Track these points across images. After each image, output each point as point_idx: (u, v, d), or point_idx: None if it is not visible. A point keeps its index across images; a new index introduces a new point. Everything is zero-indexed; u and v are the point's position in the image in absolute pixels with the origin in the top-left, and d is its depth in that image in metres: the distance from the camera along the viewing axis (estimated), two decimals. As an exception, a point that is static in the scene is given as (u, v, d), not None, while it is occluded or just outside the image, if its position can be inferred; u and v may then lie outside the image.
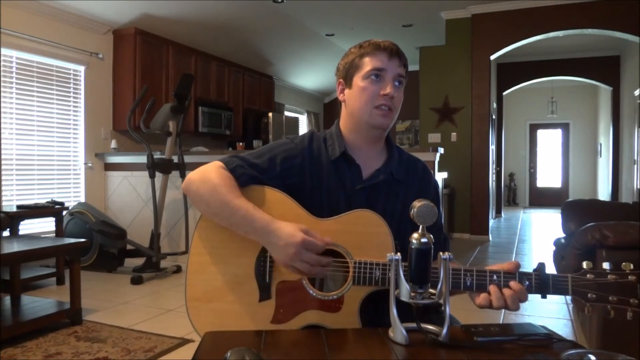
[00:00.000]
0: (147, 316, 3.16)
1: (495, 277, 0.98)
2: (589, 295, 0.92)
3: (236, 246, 1.11)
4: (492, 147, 7.33)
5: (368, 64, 1.16)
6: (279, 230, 1.02)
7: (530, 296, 0.97)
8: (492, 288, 0.97)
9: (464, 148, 6.55)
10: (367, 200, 1.18)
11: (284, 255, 1.00)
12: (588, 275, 0.93)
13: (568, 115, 11.27)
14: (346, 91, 1.22)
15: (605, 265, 0.93)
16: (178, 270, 4.46)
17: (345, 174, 1.20)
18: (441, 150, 4.13)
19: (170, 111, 4.24)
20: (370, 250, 1.05)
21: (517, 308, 0.96)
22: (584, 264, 0.94)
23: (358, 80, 1.17)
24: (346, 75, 1.21)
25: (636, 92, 6.93)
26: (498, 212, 9.17)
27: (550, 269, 0.99)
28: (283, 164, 1.18)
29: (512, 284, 0.96)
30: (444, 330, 0.92)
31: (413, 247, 0.92)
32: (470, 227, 6.55)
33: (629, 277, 0.91)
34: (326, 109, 10.66)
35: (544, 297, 0.97)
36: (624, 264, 0.92)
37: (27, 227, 4.35)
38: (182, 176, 4.44)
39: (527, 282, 0.97)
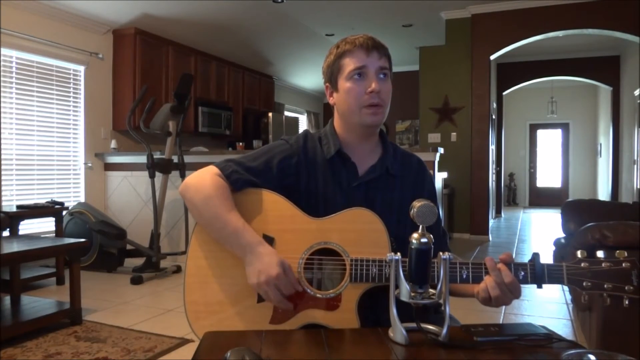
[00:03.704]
0: (147, 316, 3.16)
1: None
2: (585, 283, 0.92)
3: None
4: (492, 147, 7.33)
5: (348, 64, 1.16)
6: (262, 255, 1.04)
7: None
8: (488, 278, 0.98)
9: (464, 148, 6.54)
10: (365, 197, 1.19)
11: (255, 279, 1.04)
12: (583, 264, 0.93)
13: (568, 115, 11.27)
14: (334, 95, 1.22)
15: (600, 254, 0.93)
16: (178, 270, 4.46)
17: (341, 171, 1.20)
18: (441, 150, 4.13)
19: (170, 111, 4.24)
20: (366, 248, 1.05)
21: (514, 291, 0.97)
22: (578, 253, 0.94)
23: (342, 83, 1.18)
24: (330, 78, 1.21)
25: (636, 92, 6.93)
26: (498, 212, 9.17)
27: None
28: (279, 165, 1.18)
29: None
30: (444, 330, 0.92)
31: (413, 247, 0.92)
32: (470, 227, 6.54)
33: (623, 264, 0.91)
34: (326, 109, 10.65)
35: (539, 287, 0.97)
36: (617, 252, 0.92)
37: (27, 227, 4.34)
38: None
39: (522, 273, 0.97)
